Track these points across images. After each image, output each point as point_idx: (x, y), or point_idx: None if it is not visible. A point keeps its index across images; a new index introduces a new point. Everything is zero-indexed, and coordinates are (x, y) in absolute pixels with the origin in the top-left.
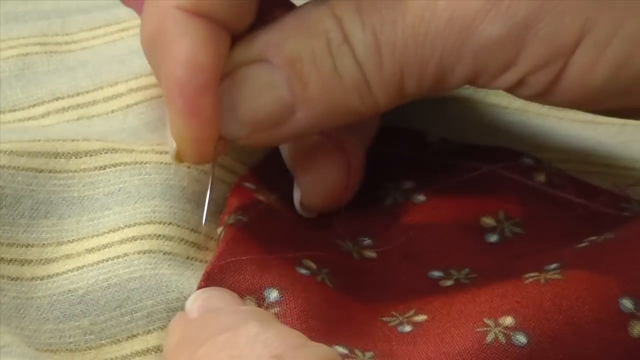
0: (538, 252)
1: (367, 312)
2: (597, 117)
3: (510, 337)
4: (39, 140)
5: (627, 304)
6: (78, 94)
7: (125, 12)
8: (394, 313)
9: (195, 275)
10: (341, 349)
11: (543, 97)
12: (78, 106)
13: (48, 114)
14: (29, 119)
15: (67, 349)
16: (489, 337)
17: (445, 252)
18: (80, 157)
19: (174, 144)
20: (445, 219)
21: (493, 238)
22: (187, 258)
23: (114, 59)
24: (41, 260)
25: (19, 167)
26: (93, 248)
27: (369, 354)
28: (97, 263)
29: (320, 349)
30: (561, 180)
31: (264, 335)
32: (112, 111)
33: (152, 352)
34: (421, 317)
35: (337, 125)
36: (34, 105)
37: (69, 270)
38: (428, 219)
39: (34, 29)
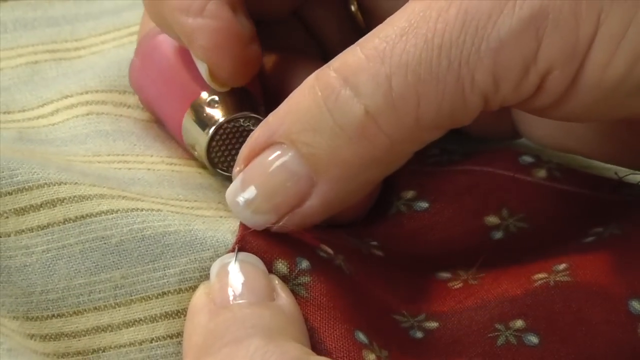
0: (545, 247)
1: (380, 305)
2: None
3: (521, 338)
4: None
5: (636, 305)
6: (87, 92)
7: (134, 15)
8: (404, 312)
9: (230, 230)
10: (362, 337)
11: (559, 105)
12: (87, 103)
13: (57, 111)
14: (38, 117)
15: (95, 308)
16: (500, 340)
17: (451, 252)
18: (93, 164)
19: (205, 65)
20: (449, 222)
21: (498, 235)
22: (220, 217)
23: (124, 62)
24: (75, 197)
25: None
26: (126, 196)
27: (385, 352)
28: (132, 210)
29: None
30: (562, 174)
31: (264, 349)
32: (121, 115)
33: (182, 316)
34: (432, 324)
35: (369, 187)
36: (43, 105)
37: (104, 212)
38: (432, 223)
39: (43, 36)
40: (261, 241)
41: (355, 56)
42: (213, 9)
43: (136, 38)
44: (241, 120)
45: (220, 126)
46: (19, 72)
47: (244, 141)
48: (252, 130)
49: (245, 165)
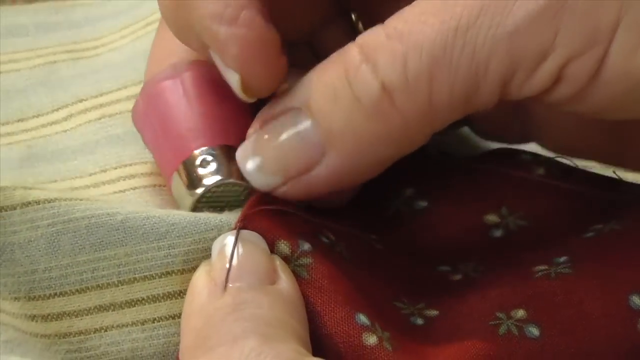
0: (545, 241)
1: (381, 293)
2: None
3: (522, 329)
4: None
5: (636, 300)
6: (101, 95)
7: (150, 7)
8: (404, 300)
9: (232, 215)
10: (364, 319)
11: (581, 97)
12: (100, 106)
13: (70, 116)
14: (52, 123)
15: (98, 286)
16: (502, 329)
17: (450, 248)
18: (98, 187)
19: (237, 76)
20: (449, 220)
21: (498, 233)
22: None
23: (138, 56)
24: (76, 187)
25: None
26: (128, 177)
27: (387, 334)
28: (135, 188)
29: None
30: (561, 172)
31: (258, 350)
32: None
33: (184, 296)
34: (433, 312)
35: (378, 167)
36: (57, 109)
37: (109, 194)
38: (431, 222)
39: (63, 38)
40: (264, 221)
41: (377, 34)
42: (247, 17)
43: (152, 28)
44: (229, 186)
45: (208, 190)
46: (36, 72)
47: (229, 207)
48: (238, 197)
49: (261, 127)
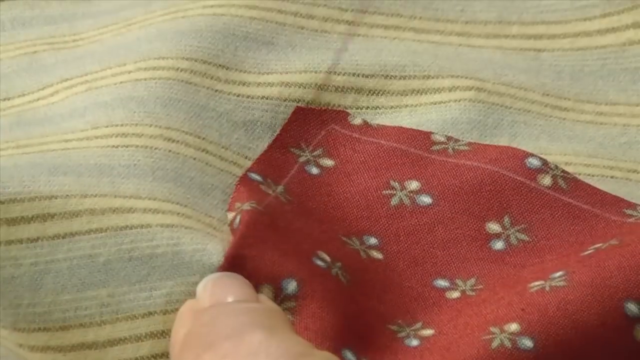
0: (543, 262)
1: (375, 316)
2: (599, 117)
3: (515, 342)
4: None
5: (632, 308)
6: (86, 74)
7: (133, 13)
8: (400, 322)
9: (217, 249)
10: (349, 356)
11: None
12: (86, 82)
13: (56, 92)
14: (38, 99)
15: (81, 324)
16: (495, 343)
17: (451, 258)
18: (91, 141)
19: None
20: (451, 223)
21: (498, 245)
22: (207, 233)
23: (122, 47)
24: (65, 213)
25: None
26: (117, 208)
27: None
28: (121, 229)
29: (323, 356)
30: (567, 184)
31: (266, 344)
32: (121, 82)
33: (167, 336)
34: (428, 332)
35: None
36: (43, 88)
37: (92, 231)
38: (434, 223)
39: (41, 32)
40: (247, 265)
41: None
42: None
43: (134, 27)
44: None
45: None
46: (18, 60)
47: None
48: None
49: None
